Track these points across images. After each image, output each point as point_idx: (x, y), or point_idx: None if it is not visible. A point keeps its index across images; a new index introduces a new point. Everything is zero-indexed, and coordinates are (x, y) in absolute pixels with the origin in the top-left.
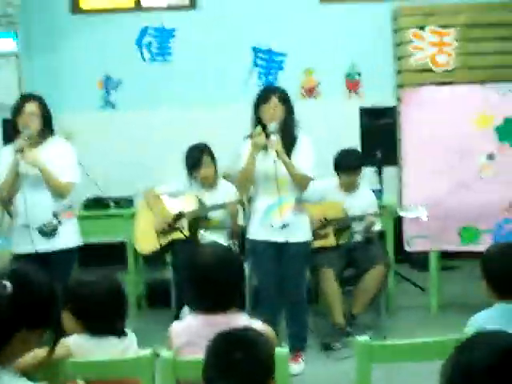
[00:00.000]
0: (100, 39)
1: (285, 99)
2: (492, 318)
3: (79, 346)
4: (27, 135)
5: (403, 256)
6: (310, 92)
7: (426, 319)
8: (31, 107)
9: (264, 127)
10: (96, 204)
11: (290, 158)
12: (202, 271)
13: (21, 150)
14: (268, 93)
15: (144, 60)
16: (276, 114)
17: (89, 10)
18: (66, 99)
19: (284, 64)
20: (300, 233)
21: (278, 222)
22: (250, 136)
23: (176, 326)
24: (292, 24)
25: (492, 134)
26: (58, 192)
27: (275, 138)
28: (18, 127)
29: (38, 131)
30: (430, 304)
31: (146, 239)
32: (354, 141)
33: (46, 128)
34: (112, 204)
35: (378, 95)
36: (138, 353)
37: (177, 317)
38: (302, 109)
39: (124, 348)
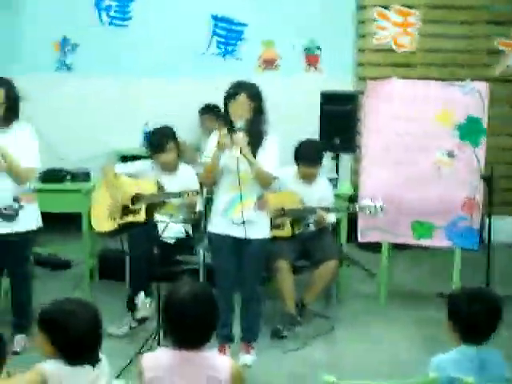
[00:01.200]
0: (57, 0)
1: (254, 96)
2: (453, 361)
3: (54, 373)
4: None
5: (356, 241)
6: (269, 64)
7: (374, 308)
8: None
9: (232, 123)
10: (52, 177)
11: (255, 156)
12: (178, 308)
13: None
14: (237, 89)
15: (102, 23)
16: (243, 112)
17: None
18: (20, 58)
19: (244, 34)
20: (259, 230)
21: (238, 217)
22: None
23: (147, 360)
24: None
25: (453, 132)
26: (19, 178)
27: (240, 136)
28: None
29: (2, 118)
30: (380, 293)
31: (102, 218)
32: (312, 119)
33: (11, 114)
34: (69, 178)
35: (338, 71)
36: (109, 382)
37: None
38: (260, 81)
39: (96, 376)
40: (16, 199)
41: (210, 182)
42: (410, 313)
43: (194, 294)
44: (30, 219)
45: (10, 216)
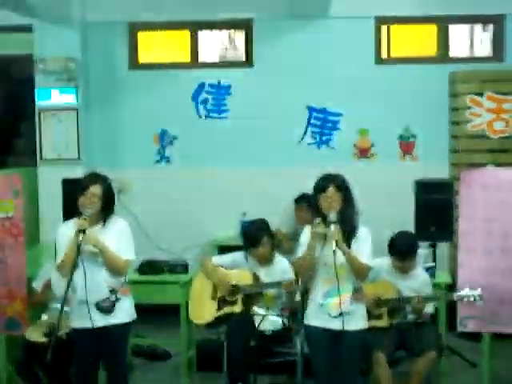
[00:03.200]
0: (157, 94)
1: (342, 187)
2: None
3: None
4: (87, 216)
5: (456, 330)
6: (364, 153)
7: None
8: (95, 189)
9: (323, 215)
10: (150, 269)
11: (349, 248)
12: None
13: (82, 231)
14: (325, 182)
15: (200, 116)
16: (333, 204)
17: (147, 65)
18: (122, 153)
19: (338, 124)
20: (357, 321)
21: (335, 310)
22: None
23: None
24: (347, 84)
25: None
26: (117, 270)
27: (334, 228)
28: (79, 206)
29: (99, 212)
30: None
31: (200, 310)
32: (407, 207)
33: (107, 209)
34: (166, 269)
35: (433, 159)
36: None
37: None
38: (355, 170)
39: None
40: (113, 291)
41: (307, 275)
42: None
43: None
44: (125, 311)
45: (107, 309)
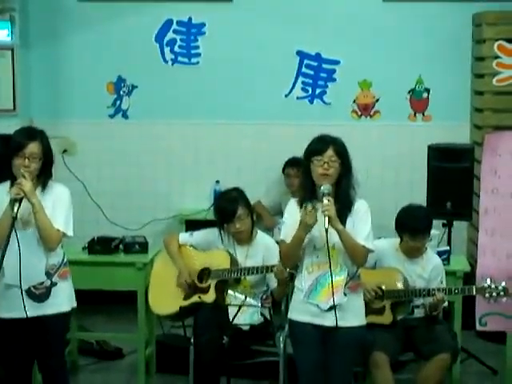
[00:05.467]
0: (113, 32)
1: (342, 153)
2: None
3: None
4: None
5: (474, 329)
6: (366, 110)
7: None
8: (32, 148)
9: (314, 185)
10: (101, 247)
11: (344, 226)
12: None
13: (18, 200)
14: (323, 143)
15: (165, 61)
16: (330, 171)
17: None
18: (67, 103)
19: (335, 74)
20: (352, 316)
21: (325, 302)
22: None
23: None
24: (348, 26)
25: None
26: (48, 240)
27: (327, 202)
28: (14, 170)
29: (36, 175)
30: None
31: (162, 298)
32: (417, 177)
33: (46, 171)
34: (122, 248)
35: (450, 119)
36: None
37: None
38: (354, 131)
39: None
40: (48, 274)
41: (290, 264)
42: None
43: None
44: (63, 299)
45: (40, 295)
